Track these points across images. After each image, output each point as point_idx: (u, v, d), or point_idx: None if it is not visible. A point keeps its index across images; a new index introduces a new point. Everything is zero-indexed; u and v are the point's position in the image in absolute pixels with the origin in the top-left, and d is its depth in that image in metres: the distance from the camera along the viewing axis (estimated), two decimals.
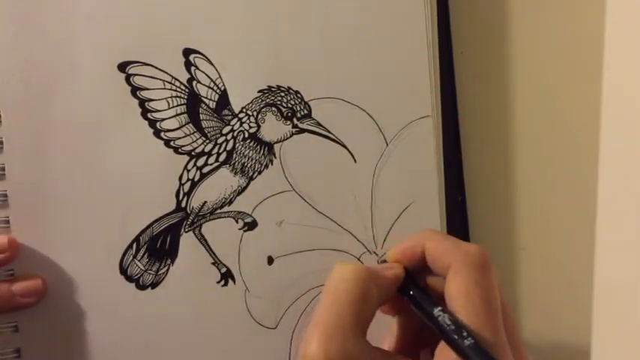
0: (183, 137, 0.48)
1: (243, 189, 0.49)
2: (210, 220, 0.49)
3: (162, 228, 0.48)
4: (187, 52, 0.48)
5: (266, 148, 0.49)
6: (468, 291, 0.36)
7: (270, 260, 0.50)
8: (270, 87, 0.49)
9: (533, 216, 0.53)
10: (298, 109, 0.49)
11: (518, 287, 0.52)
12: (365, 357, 0.35)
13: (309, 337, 0.35)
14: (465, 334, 0.35)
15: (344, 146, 0.50)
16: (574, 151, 0.49)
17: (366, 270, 0.38)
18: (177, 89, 0.48)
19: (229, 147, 0.49)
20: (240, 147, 0.49)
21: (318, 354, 0.35)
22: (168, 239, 0.48)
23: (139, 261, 0.48)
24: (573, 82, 0.49)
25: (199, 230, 0.49)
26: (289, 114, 0.49)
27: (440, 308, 0.37)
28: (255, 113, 0.49)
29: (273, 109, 0.49)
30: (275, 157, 0.49)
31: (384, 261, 0.43)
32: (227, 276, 0.49)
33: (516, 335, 0.39)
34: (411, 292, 0.40)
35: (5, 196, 0.46)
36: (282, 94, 0.49)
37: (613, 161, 0.26)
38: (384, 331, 0.43)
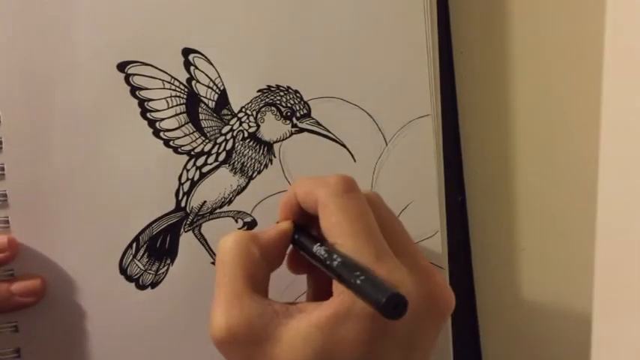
0: (183, 137, 0.48)
1: (243, 188, 0.49)
2: (209, 219, 0.49)
3: (161, 228, 0.48)
4: (187, 51, 0.48)
5: (265, 148, 0.49)
6: (337, 219, 0.37)
7: None
8: (269, 86, 0.49)
9: (534, 216, 0.53)
10: (297, 108, 0.49)
11: (518, 287, 0.52)
12: (266, 314, 0.36)
13: (212, 313, 0.37)
14: (334, 257, 0.36)
15: (343, 146, 0.50)
16: (574, 151, 0.49)
17: (245, 234, 0.40)
18: (177, 89, 0.48)
19: (229, 146, 0.49)
20: (239, 146, 0.49)
21: (220, 324, 0.36)
22: (168, 239, 0.48)
23: (138, 261, 0.48)
24: (573, 82, 0.49)
25: (199, 230, 0.49)
26: (289, 113, 0.49)
27: (318, 244, 0.38)
28: (254, 113, 0.49)
29: (273, 108, 0.49)
30: (274, 157, 0.49)
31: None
32: None
33: (405, 243, 0.40)
34: (296, 238, 0.41)
35: (5, 196, 0.46)
36: (282, 93, 0.49)
37: (613, 161, 0.26)
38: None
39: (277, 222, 0.43)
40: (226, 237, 0.40)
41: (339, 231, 0.37)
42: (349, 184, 0.39)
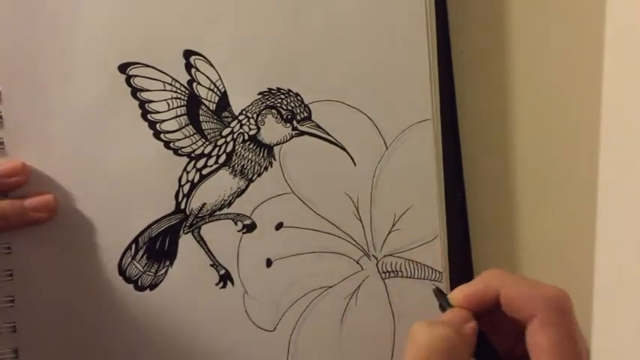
0: (183, 139, 0.48)
1: (243, 191, 0.49)
2: (209, 221, 0.49)
3: (161, 229, 0.48)
4: (188, 53, 0.48)
5: (266, 151, 0.49)
6: (560, 344, 0.35)
7: (269, 262, 0.50)
8: (270, 89, 0.49)
9: (534, 217, 0.53)
10: (298, 111, 0.49)
11: None
12: None
13: None
14: None
15: (343, 149, 0.50)
16: (574, 152, 0.49)
17: (456, 333, 0.35)
18: (178, 91, 0.48)
19: (229, 149, 0.49)
20: (239, 149, 0.49)
21: None
22: (167, 241, 0.48)
23: (137, 262, 0.48)
24: (573, 83, 0.49)
25: (198, 232, 0.49)
26: (289, 116, 0.49)
27: None
28: (255, 115, 0.49)
29: (273, 111, 0.49)
30: (275, 160, 0.49)
31: (439, 290, 0.40)
32: (225, 278, 0.49)
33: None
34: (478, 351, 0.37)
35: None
36: (282, 96, 0.49)
37: (613, 161, 0.26)
38: None
39: (444, 302, 0.38)
40: (428, 330, 0.35)
41: (561, 356, 0.34)
42: (571, 304, 0.36)
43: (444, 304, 0.38)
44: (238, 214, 0.49)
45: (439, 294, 0.39)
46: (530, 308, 0.36)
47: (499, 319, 0.37)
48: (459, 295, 0.38)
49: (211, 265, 0.49)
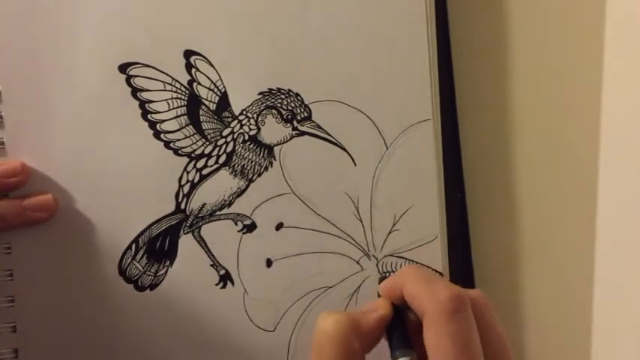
0: (183, 139, 0.48)
1: (243, 191, 0.49)
2: (209, 222, 0.49)
3: (161, 229, 0.48)
4: (188, 53, 0.48)
5: (266, 151, 0.49)
6: (442, 344, 0.36)
7: (269, 263, 0.50)
8: (270, 89, 0.49)
9: (534, 218, 0.53)
10: (298, 111, 0.49)
11: (518, 288, 0.52)
12: None
13: None
14: None
15: (344, 149, 0.50)
16: (574, 153, 0.49)
17: (348, 321, 0.38)
18: (178, 91, 0.48)
19: (229, 149, 0.49)
20: (240, 149, 0.49)
21: None
22: (167, 241, 0.48)
23: (137, 262, 0.48)
24: (573, 82, 0.49)
25: (198, 232, 0.49)
26: (289, 116, 0.49)
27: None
28: (255, 115, 0.49)
29: (274, 111, 0.49)
30: (275, 160, 0.49)
31: (382, 279, 0.42)
32: (226, 278, 0.49)
33: (503, 351, 0.38)
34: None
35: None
36: (283, 96, 0.49)
37: (613, 161, 0.26)
38: None
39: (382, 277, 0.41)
40: (326, 317, 0.38)
41: (443, 356, 0.35)
42: (460, 303, 0.37)
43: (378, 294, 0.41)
44: (238, 214, 0.49)
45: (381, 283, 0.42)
46: (422, 308, 0.37)
47: None
48: (381, 286, 0.41)
49: (211, 265, 0.49)
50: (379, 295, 0.41)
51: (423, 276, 0.40)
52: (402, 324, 0.40)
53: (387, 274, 0.42)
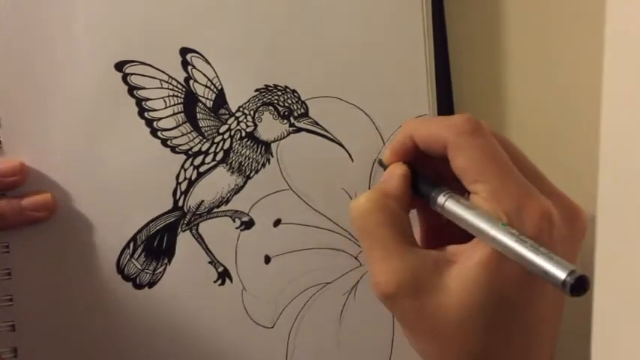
0: (180, 136, 0.48)
1: (240, 188, 0.49)
2: (207, 219, 0.49)
3: (159, 227, 0.48)
4: (184, 51, 0.48)
5: (263, 147, 0.49)
6: (475, 158, 0.37)
7: (267, 259, 0.50)
8: (267, 86, 0.49)
9: None
10: (295, 108, 0.49)
11: None
12: (427, 265, 0.36)
13: (375, 277, 0.37)
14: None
15: (341, 145, 0.50)
16: (573, 152, 0.49)
17: (376, 192, 0.39)
18: (175, 88, 0.48)
19: (226, 146, 0.49)
20: (237, 146, 0.49)
21: (388, 281, 0.36)
22: (165, 238, 0.48)
23: (136, 260, 0.48)
24: (572, 81, 0.49)
25: (196, 229, 0.49)
26: (286, 113, 0.49)
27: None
28: (252, 112, 0.49)
29: (270, 108, 0.49)
30: (272, 156, 0.49)
31: (380, 161, 0.43)
32: (224, 275, 0.49)
33: (536, 172, 0.39)
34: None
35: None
36: (279, 93, 0.49)
37: (613, 160, 0.26)
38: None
39: (382, 164, 0.42)
40: (357, 201, 0.39)
41: (480, 170, 0.36)
42: (476, 123, 0.38)
43: (382, 166, 0.42)
44: (236, 211, 0.49)
45: (380, 163, 0.43)
46: (440, 141, 0.38)
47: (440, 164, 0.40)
48: (387, 152, 0.42)
49: (210, 263, 0.49)
50: (383, 167, 0.42)
51: (427, 118, 0.41)
52: (421, 175, 0.40)
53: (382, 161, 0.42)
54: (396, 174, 0.40)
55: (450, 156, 0.38)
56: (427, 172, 0.41)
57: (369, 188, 0.50)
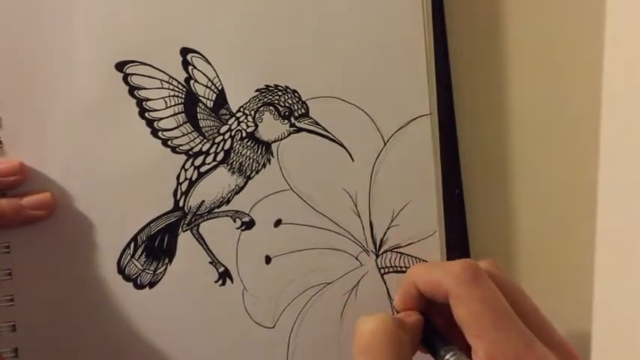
0: (181, 136, 0.48)
1: (241, 188, 0.49)
2: (207, 219, 0.49)
3: (159, 227, 0.48)
4: (185, 51, 0.48)
5: (264, 148, 0.49)
6: (476, 312, 0.36)
7: (268, 259, 0.50)
8: (267, 86, 0.49)
9: (533, 217, 0.53)
10: (296, 108, 0.49)
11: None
12: None
13: None
14: None
15: (342, 145, 0.50)
16: (573, 151, 0.49)
17: (390, 318, 0.38)
18: (175, 88, 0.48)
19: (227, 146, 0.49)
20: (237, 146, 0.49)
21: None
22: (166, 239, 0.48)
23: (136, 260, 0.48)
24: (571, 79, 0.49)
25: (197, 229, 0.49)
26: (287, 113, 0.49)
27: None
28: (252, 112, 0.49)
29: (271, 108, 0.49)
30: (273, 157, 0.49)
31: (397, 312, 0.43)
32: (225, 275, 0.49)
33: (540, 319, 0.38)
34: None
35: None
36: (280, 93, 0.49)
37: (613, 159, 0.26)
38: None
39: (396, 311, 0.42)
40: (368, 318, 0.38)
41: (480, 324, 0.36)
42: (474, 272, 0.38)
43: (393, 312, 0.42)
44: (237, 212, 0.49)
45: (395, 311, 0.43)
46: (442, 290, 0.38)
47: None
48: (396, 299, 0.42)
49: (210, 263, 0.49)
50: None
51: (429, 265, 0.41)
52: (433, 328, 0.40)
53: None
54: (412, 315, 0.40)
55: (451, 306, 0.38)
56: (439, 321, 0.41)
57: (370, 188, 0.50)
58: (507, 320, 0.36)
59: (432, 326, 0.41)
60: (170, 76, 0.48)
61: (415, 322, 0.40)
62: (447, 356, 0.38)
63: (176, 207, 0.48)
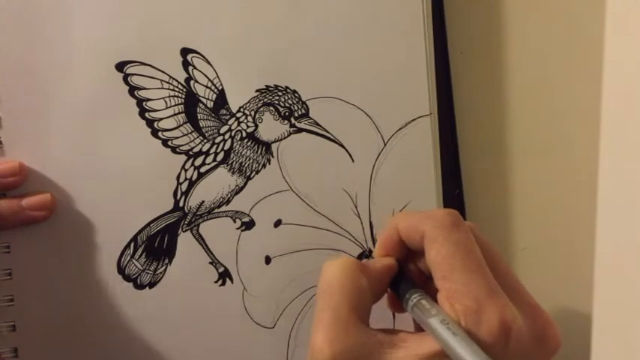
0: (181, 137, 0.48)
1: (241, 188, 0.49)
2: (207, 219, 0.49)
3: (159, 227, 0.48)
4: (185, 51, 0.48)
5: (264, 148, 0.49)
6: (447, 253, 0.36)
7: (268, 260, 0.50)
8: (267, 86, 0.49)
9: (532, 216, 0.53)
10: (296, 108, 0.49)
11: None
12: (370, 344, 0.35)
13: (314, 338, 0.35)
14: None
15: (341, 145, 0.50)
16: (573, 150, 0.49)
17: (355, 262, 0.38)
18: (175, 89, 0.48)
19: (227, 146, 0.49)
20: (237, 146, 0.49)
21: (323, 350, 0.35)
22: (166, 239, 0.48)
23: (136, 260, 0.48)
24: (571, 79, 0.49)
25: (197, 230, 0.49)
26: (287, 113, 0.49)
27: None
28: (252, 113, 0.49)
29: (271, 108, 0.49)
30: (273, 157, 0.49)
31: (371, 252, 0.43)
32: (225, 275, 0.49)
33: (511, 279, 0.38)
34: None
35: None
36: (280, 93, 0.49)
37: (613, 158, 0.26)
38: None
39: (375, 257, 0.41)
40: (332, 262, 0.38)
41: (450, 265, 0.36)
42: (456, 217, 0.38)
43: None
44: (237, 212, 0.49)
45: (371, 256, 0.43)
46: (418, 232, 0.38)
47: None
48: (377, 244, 0.41)
49: (210, 263, 0.49)
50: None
51: (414, 211, 0.40)
52: (405, 275, 0.40)
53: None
54: (383, 260, 0.40)
55: (425, 248, 0.37)
56: (415, 272, 0.40)
57: (370, 188, 0.50)
58: (476, 266, 0.36)
59: (406, 274, 0.40)
60: (170, 77, 0.48)
61: (383, 268, 0.39)
62: (412, 298, 0.37)
63: (176, 207, 0.48)
